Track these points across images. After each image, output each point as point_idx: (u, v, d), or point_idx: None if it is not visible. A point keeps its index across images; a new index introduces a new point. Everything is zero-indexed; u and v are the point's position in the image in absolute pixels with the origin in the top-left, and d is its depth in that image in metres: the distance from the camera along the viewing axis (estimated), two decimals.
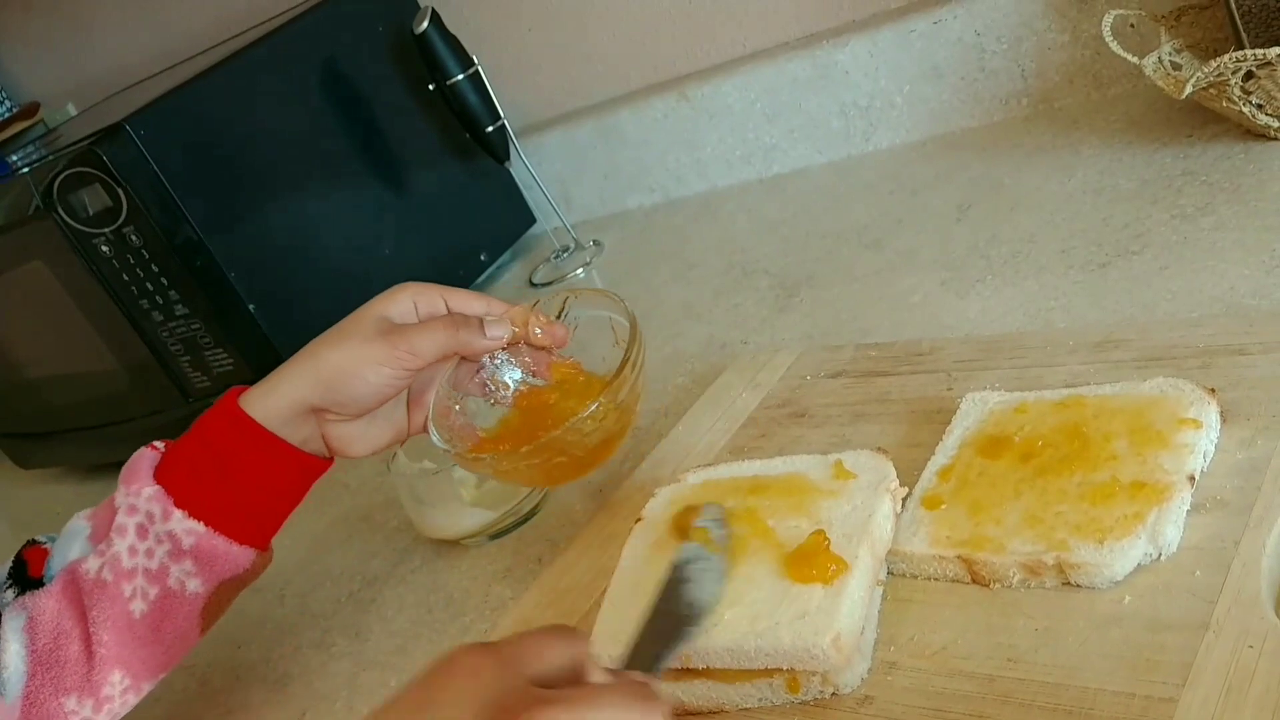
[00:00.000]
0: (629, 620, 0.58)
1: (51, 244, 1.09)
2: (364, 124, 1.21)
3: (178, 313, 1.07)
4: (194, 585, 0.68)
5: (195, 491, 0.67)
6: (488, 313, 0.70)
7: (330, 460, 0.72)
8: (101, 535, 0.68)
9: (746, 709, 0.56)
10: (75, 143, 1.05)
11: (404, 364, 0.67)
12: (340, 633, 0.85)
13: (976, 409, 0.65)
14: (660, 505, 0.67)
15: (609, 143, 1.31)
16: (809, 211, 1.13)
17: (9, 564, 0.70)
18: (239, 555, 0.68)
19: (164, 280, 1.06)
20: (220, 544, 0.68)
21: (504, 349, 0.70)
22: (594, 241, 1.29)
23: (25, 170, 1.11)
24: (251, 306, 1.08)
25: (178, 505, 0.66)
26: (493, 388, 0.71)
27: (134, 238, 1.04)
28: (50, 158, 1.07)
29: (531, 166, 1.25)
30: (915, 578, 0.59)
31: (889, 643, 0.56)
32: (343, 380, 0.67)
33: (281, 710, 0.80)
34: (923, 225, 0.99)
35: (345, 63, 1.20)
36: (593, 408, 0.64)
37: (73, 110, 1.68)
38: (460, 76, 1.17)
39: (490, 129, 1.20)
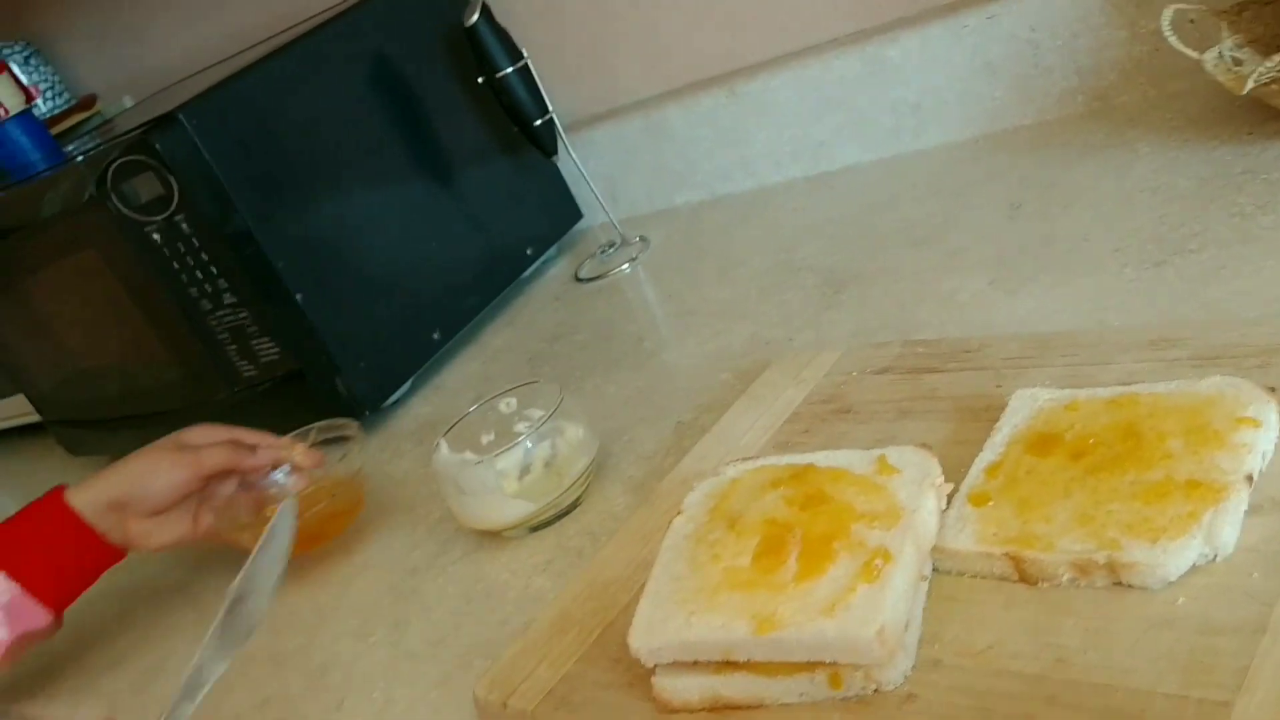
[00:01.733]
0: (668, 610, 0.58)
1: (104, 232, 1.10)
2: (413, 116, 1.22)
3: (226, 301, 1.08)
4: (1, 633, 0.85)
5: (16, 560, 0.86)
6: (262, 444, 0.94)
7: (123, 553, 0.92)
8: None
9: (787, 704, 0.55)
10: (129, 132, 1.06)
11: (192, 469, 0.90)
12: (380, 622, 0.85)
13: (1026, 406, 0.64)
14: (699, 498, 0.66)
15: (657, 139, 1.31)
16: (857, 209, 1.11)
17: None
18: (40, 615, 0.87)
19: (213, 269, 1.07)
20: (29, 603, 0.86)
21: (276, 469, 0.95)
22: (640, 238, 1.29)
23: (79, 159, 1.12)
24: (299, 296, 1.08)
25: (1, 567, 0.85)
26: (288, 482, 0.95)
27: (185, 226, 1.05)
28: (104, 147, 1.08)
29: (579, 162, 1.25)
30: (961, 575, 0.58)
31: (933, 640, 0.55)
32: (144, 478, 0.89)
33: (319, 698, 0.81)
34: (973, 224, 0.97)
35: (395, 55, 1.21)
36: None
37: (129, 102, 1.70)
38: (509, 70, 1.17)
39: (538, 123, 1.20)
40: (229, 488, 0.94)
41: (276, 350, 1.10)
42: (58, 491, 0.90)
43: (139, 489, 0.89)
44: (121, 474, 0.90)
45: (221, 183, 1.04)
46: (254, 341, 1.11)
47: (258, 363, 1.12)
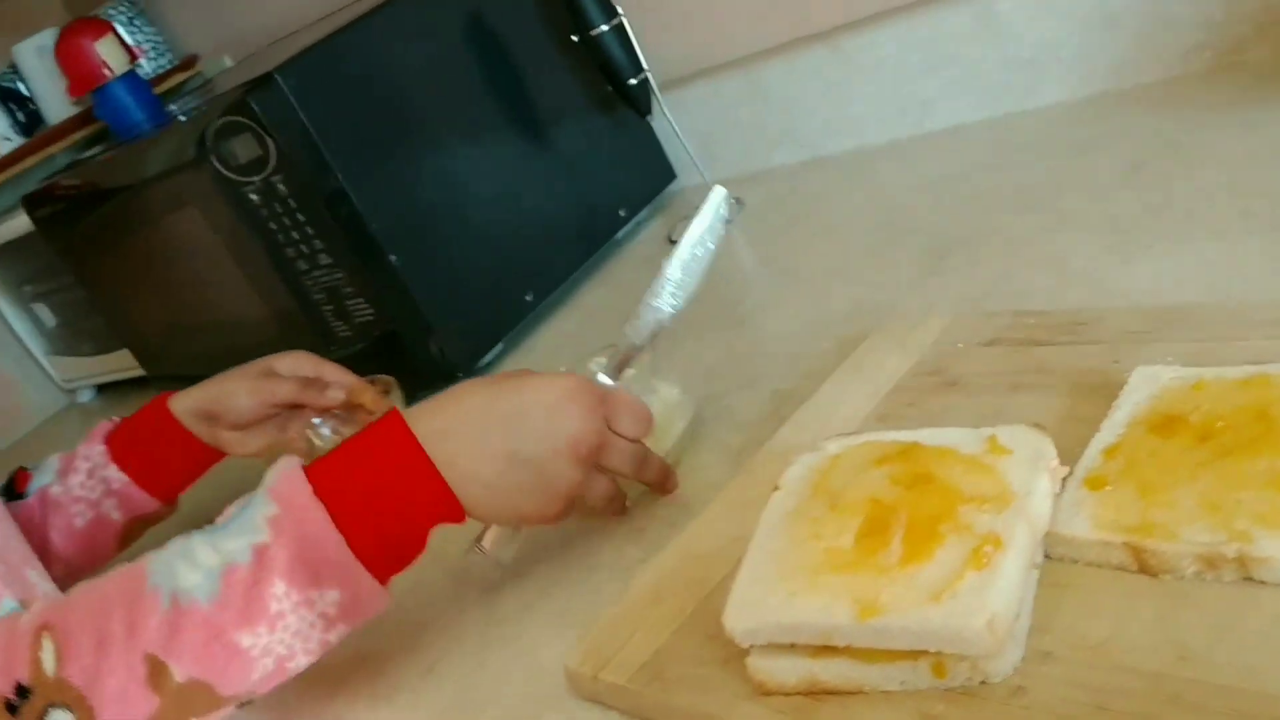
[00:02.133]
0: (766, 589, 0.56)
1: (205, 191, 1.11)
2: (507, 75, 1.21)
3: (321, 262, 1.09)
4: (115, 515, 1.00)
5: (126, 455, 1.00)
6: (339, 382, 0.99)
7: (220, 454, 1.02)
8: (66, 472, 1.00)
9: (887, 691, 0.53)
10: (228, 92, 1.07)
11: (262, 397, 0.98)
12: (473, 586, 0.85)
13: (1147, 384, 0.61)
14: (800, 473, 0.64)
15: (755, 97, 1.27)
16: (965, 171, 1.07)
17: (3, 481, 1.02)
18: (147, 501, 1.00)
19: (309, 229, 1.07)
20: (135, 491, 1.00)
21: (342, 411, 0.99)
22: (736, 199, 1.26)
23: (181, 119, 1.14)
24: (393, 257, 1.08)
25: (113, 460, 0.99)
26: (331, 434, 0.99)
27: (282, 186, 1.05)
28: (204, 107, 1.09)
29: (674, 121, 1.22)
30: (1075, 563, 0.55)
31: (1044, 631, 0.52)
32: (226, 397, 0.98)
33: (412, 658, 0.81)
34: (1088, 186, 0.93)
35: (490, 13, 1.19)
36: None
37: (228, 62, 1.72)
38: (604, 28, 1.15)
39: (633, 81, 1.18)
40: (307, 415, 1.00)
41: (371, 311, 1.11)
42: (163, 397, 1.01)
43: (222, 405, 0.98)
44: (210, 389, 1.00)
45: (317, 143, 1.04)
46: (349, 302, 1.11)
47: (352, 323, 1.13)
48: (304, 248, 1.09)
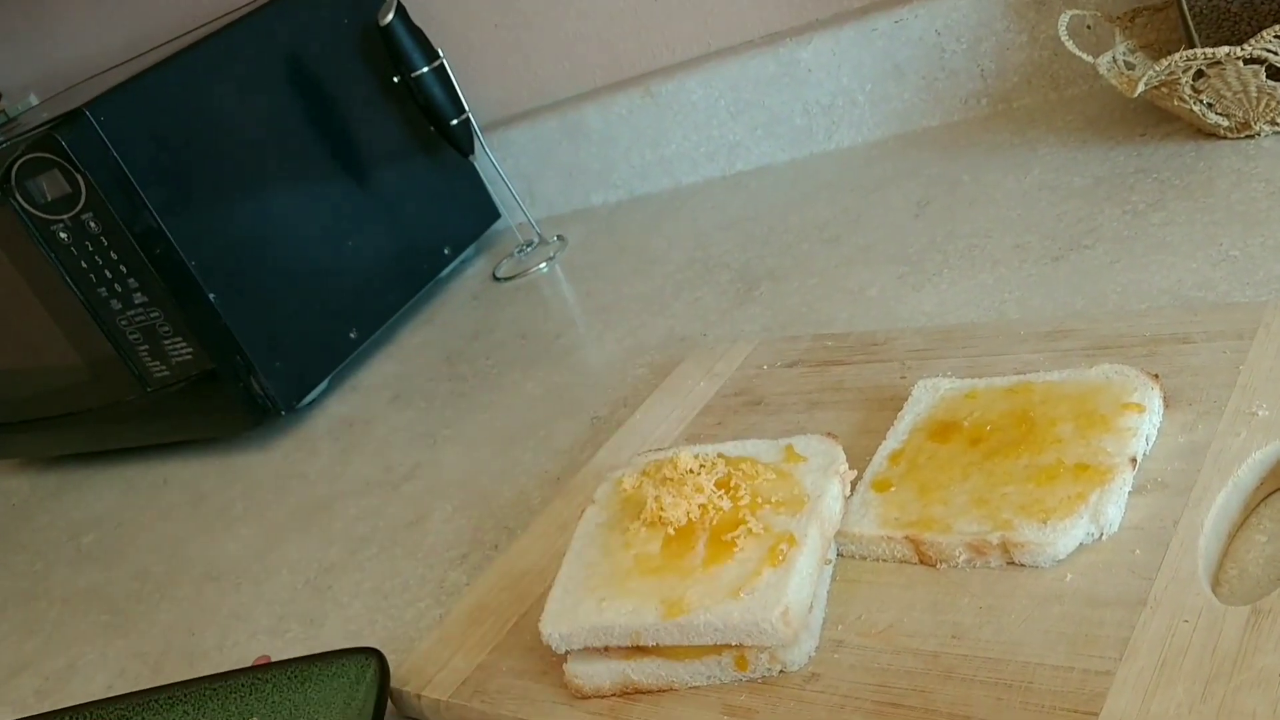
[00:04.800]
0: (579, 596, 0.59)
1: (9, 231, 1.08)
2: (328, 115, 1.21)
3: (136, 301, 1.07)
4: None
5: None
6: None
7: None
8: None
9: (695, 687, 0.57)
10: (34, 129, 1.04)
11: None
12: (295, 619, 0.85)
13: (928, 395, 0.66)
14: (610, 488, 0.67)
15: (574, 139, 1.31)
16: (771, 208, 1.13)
17: None
18: None
19: (123, 268, 1.05)
20: None
21: None
22: (558, 237, 1.30)
23: None
24: (212, 295, 1.07)
25: None
26: None
27: (93, 224, 1.03)
28: (8, 144, 1.06)
29: (496, 161, 1.25)
30: (864, 559, 0.60)
31: (837, 622, 0.57)
32: None
33: None
34: (882, 221, 1.00)
35: (310, 53, 1.20)
36: None
37: (34, 100, 1.66)
38: (425, 69, 1.17)
39: (455, 122, 1.20)
40: None
41: (190, 350, 1.09)
42: None
43: None
44: None
45: (131, 180, 1.03)
46: (166, 341, 1.09)
47: (170, 363, 1.11)
48: (118, 287, 1.07)
